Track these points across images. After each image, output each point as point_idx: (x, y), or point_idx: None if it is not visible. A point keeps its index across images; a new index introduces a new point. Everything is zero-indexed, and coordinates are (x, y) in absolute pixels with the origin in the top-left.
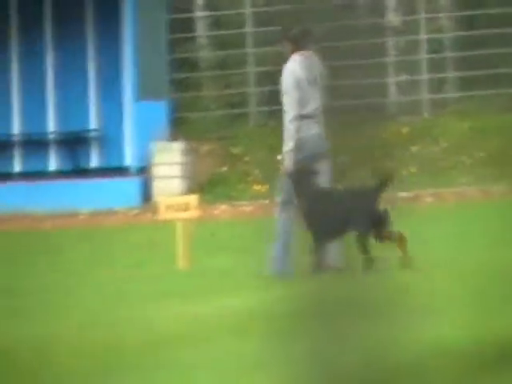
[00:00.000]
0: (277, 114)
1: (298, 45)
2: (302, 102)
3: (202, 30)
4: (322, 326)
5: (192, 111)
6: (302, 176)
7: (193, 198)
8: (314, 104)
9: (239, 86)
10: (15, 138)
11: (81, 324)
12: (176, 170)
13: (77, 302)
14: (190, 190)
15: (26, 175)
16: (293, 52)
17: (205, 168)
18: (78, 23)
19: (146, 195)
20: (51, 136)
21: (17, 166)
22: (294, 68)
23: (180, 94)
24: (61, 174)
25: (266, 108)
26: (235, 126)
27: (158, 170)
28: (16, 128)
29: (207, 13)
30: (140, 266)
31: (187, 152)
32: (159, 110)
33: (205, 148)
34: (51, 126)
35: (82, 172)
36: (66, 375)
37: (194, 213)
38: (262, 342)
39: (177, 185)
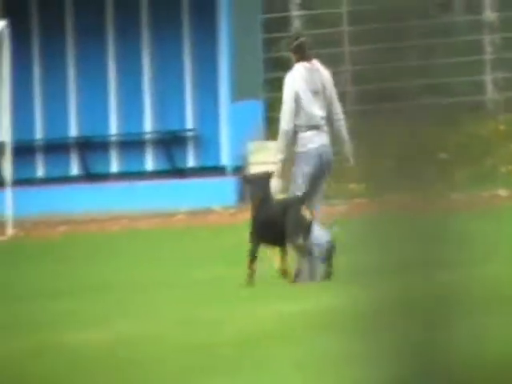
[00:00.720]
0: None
1: (300, 55)
2: (300, 113)
3: (297, 29)
4: (408, 324)
5: None
6: (256, 182)
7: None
8: (319, 114)
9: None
10: (112, 139)
11: (175, 322)
12: (271, 169)
13: (172, 300)
14: (285, 189)
15: (122, 176)
16: (297, 61)
17: None
18: (173, 24)
19: (242, 195)
20: (148, 136)
21: (114, 167)
22: (294, 78)
23: (275, 94)
24: (158, 174)
25: (358, 107)
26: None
27: (253, 170)
28: (113, 128)
29: (303, 12)
30: (236, 264)
31: None
32: (255, 109)
33: None
34: (148, 126)
35: (178, 172)
36: (161, 373)
37: None
38: (349, 340)
39: (272, 184)
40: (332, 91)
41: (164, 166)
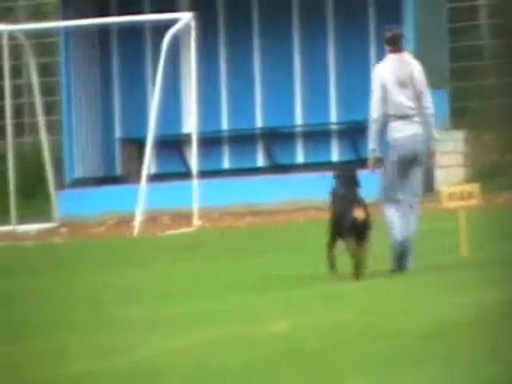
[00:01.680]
0: None
1: (392, 47)
2: (388, 103)
3: (484, 18)
4: None
5: (474, 100)
6: (341, 177)
7: (475, 187)
8: (408, 104)
9: None
10: (298, 130)
11: (366, 310)
12: (458, 159)
13: (353, 291)
14: (471, 179)
15: (309, 166)
16: (389, 53)
17: (486, 157)
18: (360, 14)
19: (429, 184)
20: (334, 127)
21: (300, 158)
22: (382, 69)
23: (461, 83)
24: (343, 164)
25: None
26: None
27: (439, 159)
28: (299, 119)
29: (488, 1)
30: (424, 255)
31: (469, 141)
32: (440, 98)
33: (487, 137)
34: (333, 116)
35: (364, 162)
36: (345, 361)
37: (476, 201)
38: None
39: (459, 173)
40: (422, 84)
41: (350, 156)
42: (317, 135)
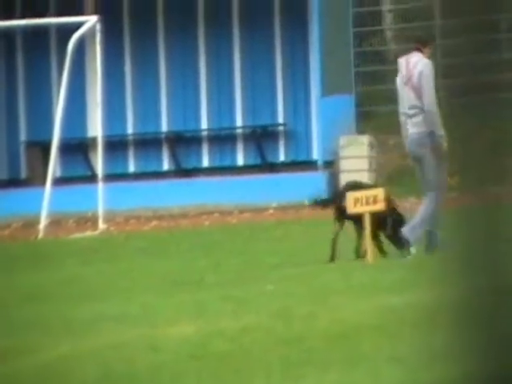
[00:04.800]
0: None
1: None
2: (400, 100)
3: (388, 24)
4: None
5: (379, 105)
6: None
7: (380, 191)
8: (408, 103)
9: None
10: (203, 134)
11: (269, 316)
12: (363, 164)
13: (265, 294)
14: (377, 183)
15: (214, 171)
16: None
17: (392, 161)
18: (265, 18)
19: (334, 189)
20: (239, 131)
21: (205, 162)
22: (399, 69)
23: (367, 88)
24: (249, 168)
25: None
26: None
27: (345, 164)
28: (204, 123)
29: (394, 6)
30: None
31: (374, 145)
32: (346, 103)
33: (392, 141)
34: (239, 120)
35: (269, 167)
36: (255, 365)
37: (381, 206)
38: (448, 335)
39: (364, 178)
40: (424, 83)
41: (255, 160)
42: (222, 139)
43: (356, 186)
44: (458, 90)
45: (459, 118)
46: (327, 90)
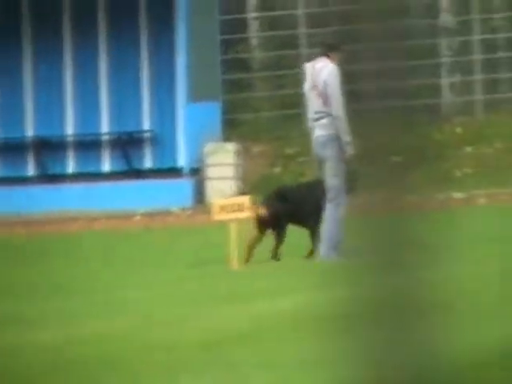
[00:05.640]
0: None
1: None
2: (307, 106)
3: (254, 31)
4: (374, 327)
5: (245, 112)
6: None
7: (246, 199)
8: (314, 108)
9: (292, 87)
10: (69, 140)
11: (139, 322)
12: (229, 171)
13: (131, 301)
14: (242, 191)
15: (79, 176)
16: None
17: (257, 169)
18: (131, 25)
19: (199, 196)
20: (105, 137)
21: (70, 168)
22: (306, 75)
23: (233, 95)
24: (115, 175)
25: None
26: (288, 127)
27: (210, 171)
28: (70, 129)
29: (260, 14)
30: (194, 266)
31: (240, 153)
32: (212, 110)
33: (257, 149)
34: (105, 127)
35: (135, 173)
36: (125, 372)
37: (246, 214)
38: (316, 343)
39: (229, 186)
40: (330, 88)
41: (121, 167)
42: (88, 145)
43: (286, 190)
44: (360, 95)
45: (367, 125)
46: (194, 96)
